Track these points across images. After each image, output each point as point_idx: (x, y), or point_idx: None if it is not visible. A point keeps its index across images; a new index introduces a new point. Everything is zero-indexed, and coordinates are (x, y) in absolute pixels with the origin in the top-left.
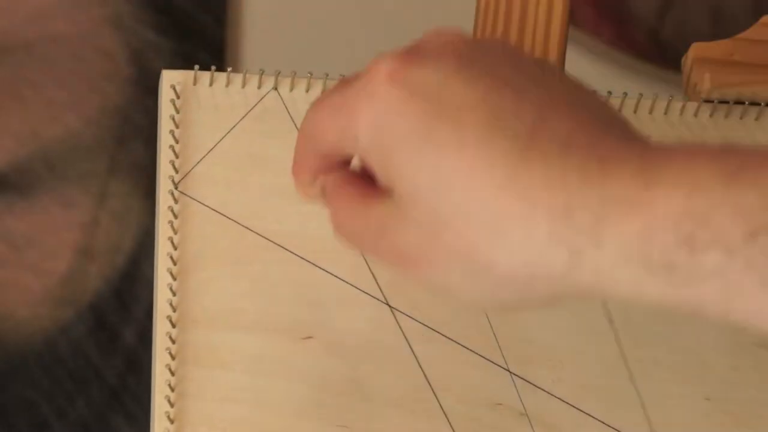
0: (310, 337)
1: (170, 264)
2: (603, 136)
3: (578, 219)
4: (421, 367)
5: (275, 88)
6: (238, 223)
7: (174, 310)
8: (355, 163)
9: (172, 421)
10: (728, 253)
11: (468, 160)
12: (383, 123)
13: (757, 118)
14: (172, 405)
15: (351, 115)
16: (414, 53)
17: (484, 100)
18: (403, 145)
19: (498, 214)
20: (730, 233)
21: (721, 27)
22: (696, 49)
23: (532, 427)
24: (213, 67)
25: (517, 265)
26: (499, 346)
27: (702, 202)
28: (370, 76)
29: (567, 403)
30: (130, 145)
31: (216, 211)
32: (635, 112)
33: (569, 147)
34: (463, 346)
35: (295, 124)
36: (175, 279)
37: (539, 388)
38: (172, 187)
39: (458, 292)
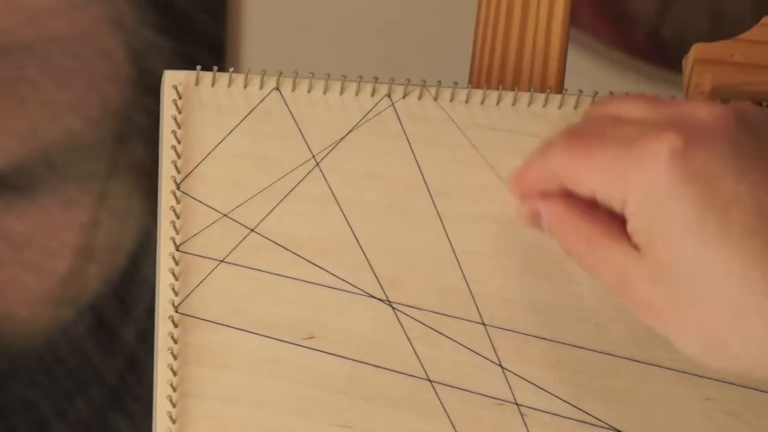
0: (311, 337)
1: (172, 264)
2: None
3: None
4: (422, 366)
5: (277, 89)
6: (240, 224)
7: (176, 310)
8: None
9: (174, 421)
10: None
11: (728, 253)
12: (656, 198)
13: None
14: (174, 405)
15: (622, 179)
16: (694, 131)
17: (751, 195)
18: (672, 224)
19: (744, 307)
20: None
21: (721, 27)
22: (697, 50)
23: (532, 427)
24: (215, 68)
25: (747, 353)
26: (501, 346)
27: None
28: (652, 149)
29: (567, 402)
30: (131, 145)
31: (218, 212)
32: None
33: None
34: (464, 347)
35: (297, 125)
36: (177, 279)
37: (540, 388)
38: (174, 187)
39: (687, 349)
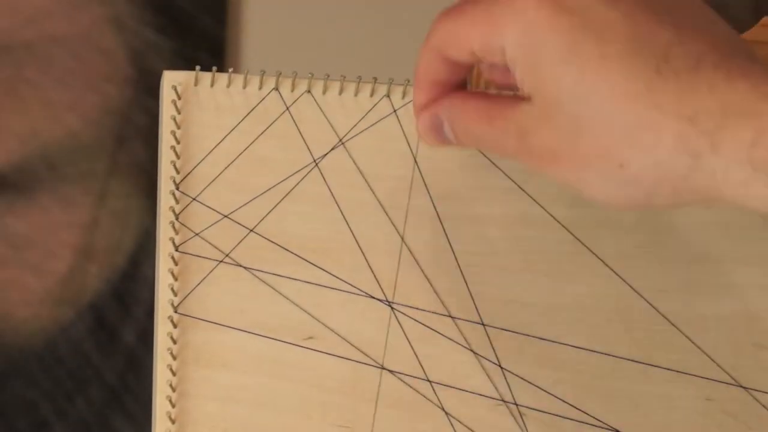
0: (311, 338)
1: (171, 264)
2: (730, 57)
3: (702, 125)
4: (422, 367)
5: (276, 89)
6: (239, 224)
7: (175, 311)
8: None
9: (173, 422)
10: None
11: (608, 72)
12: (532, 36)
13: None
14: (173, 405)
15: (497, 27)
16: None
17: (625, 20)
18: (551, 55)
19: (633, 121)
20: None
21: None
22: None
23: (532, 427)
24: (214, 68)
25: (647, 166)
26: (500, 347)
27: None
28: None
29: (567, 403)
30: (130, 145)
31: (217, 212)
32: None
33: (699, 65)
34: (464, 347)
35: (296, 125)
36: (176, 279)
37: (540, 388)
38: (173, 187)
39: (591, 189)
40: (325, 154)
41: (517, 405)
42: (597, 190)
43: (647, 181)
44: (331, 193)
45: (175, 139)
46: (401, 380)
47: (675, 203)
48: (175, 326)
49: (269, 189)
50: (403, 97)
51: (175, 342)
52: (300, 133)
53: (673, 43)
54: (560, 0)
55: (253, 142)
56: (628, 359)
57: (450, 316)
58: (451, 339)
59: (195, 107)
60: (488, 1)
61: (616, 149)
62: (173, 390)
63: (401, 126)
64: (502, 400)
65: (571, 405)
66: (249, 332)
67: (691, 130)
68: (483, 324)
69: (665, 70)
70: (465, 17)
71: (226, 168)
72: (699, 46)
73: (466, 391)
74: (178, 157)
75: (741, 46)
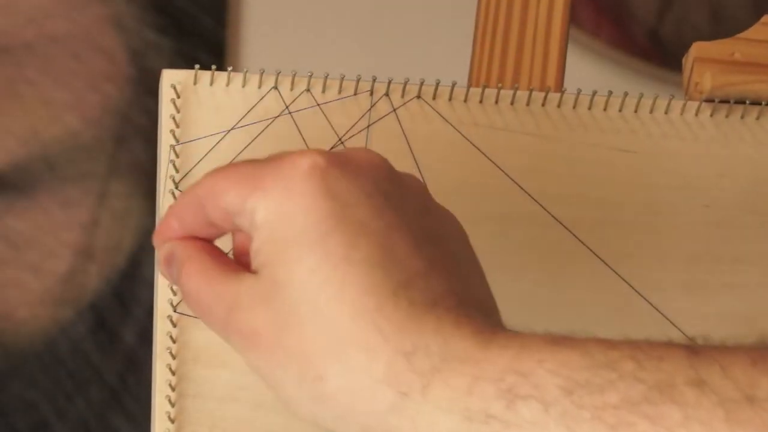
0: None
1: None
2: (469, 306)
3: (417, 364)
4: None
5: (275, 88)
6: None
7: (174, 310)
8: None
9: (172, 421)
10: (544, 405)
11: (347, 277)
12: (288, 208)
13: (757, 118)
14: (172, 404)
15: (258, 187)
16: (342, 159)
17: (384, 233)
18: (299, 235)
19: (349, 335)
20: (548, 388)
21: (721, 26)
22: (697, 49)
23: None
24: (213, 67)
25: (345, 389)
26: None
27: (527, 359)
28: (292, 160)
29: None
30: (130, 145)
31: None
32: (636, 111)
33: (436, 305)
34: None
35: (296, 124)
36: None
37: None
38: (172, 186)
39: (281, 388)
40: None
41: None
42: (288, 393)
43: (340, 408)
44: None
45: (175, 138)
46: None
47: None
48: (174, 325)
49: None
50: (402, 96)
51: (174, 341)
52: (299, 131)
53: (420, 275)
54: (331, 183)
55: (252, 140)
56: None
57: None
58: None
59: (194, 106)
60: (261, 162)
61: (320, 358)
62: (172, 389)
63: (400, 125)
64: None
65: None
66: None
67: (405, 366)
68: None
69: (402, 297)
70: (231, 173)
71: None
72: (444, 286)
73: None
74: (177, 156)
75: (488, 300)
